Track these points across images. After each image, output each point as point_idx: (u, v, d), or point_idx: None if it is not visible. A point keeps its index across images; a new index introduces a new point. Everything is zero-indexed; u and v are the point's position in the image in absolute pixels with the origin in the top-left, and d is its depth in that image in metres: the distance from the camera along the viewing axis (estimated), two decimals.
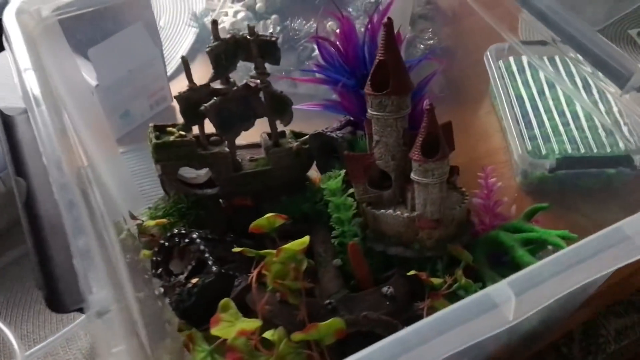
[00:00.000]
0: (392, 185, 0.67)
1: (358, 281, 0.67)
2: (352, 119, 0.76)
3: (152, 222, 0.67)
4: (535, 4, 0.67)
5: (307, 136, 0.76)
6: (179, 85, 1.02)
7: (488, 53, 0.98)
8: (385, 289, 0.63)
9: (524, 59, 0.98)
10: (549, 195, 0.87)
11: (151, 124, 0.71)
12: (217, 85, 0.72)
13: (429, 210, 0.64)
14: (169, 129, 0.72)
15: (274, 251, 0.59)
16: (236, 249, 0.61)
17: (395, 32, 0.73)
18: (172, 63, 1.06)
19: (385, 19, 0.61)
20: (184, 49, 1.07)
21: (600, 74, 0.57)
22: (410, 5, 0.95)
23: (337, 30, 0.76)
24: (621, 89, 0.55)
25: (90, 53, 0.81)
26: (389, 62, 0.61)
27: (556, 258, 0.45)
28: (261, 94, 0.72)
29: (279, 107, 0.74)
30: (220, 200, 0.74)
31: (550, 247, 0.65)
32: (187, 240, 0.62)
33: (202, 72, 0.73)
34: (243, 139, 0.74)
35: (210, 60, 0.71)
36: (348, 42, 0.74)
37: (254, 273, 0.60)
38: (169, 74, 1.05)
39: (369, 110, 0.64)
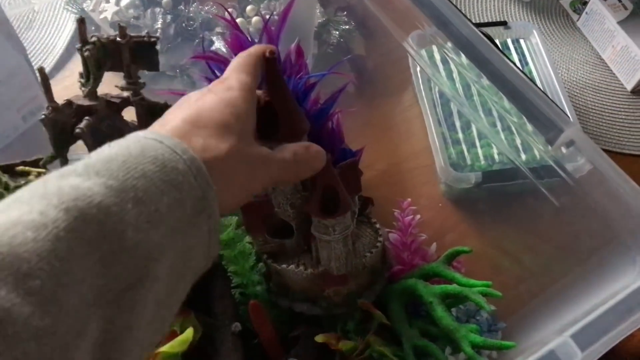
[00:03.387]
0: (293, 234, 0.58)
1: (262, 342, 0.60)
2: None
3: None
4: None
5: None
6: (56, 87, 0.89)
7: (410, 40, 0.88)
8: None
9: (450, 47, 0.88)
10: (474, 204, 0.81)
11: None
12: (79, 101, 0.60)
13: (334, 267, 0.56)
14: (20, 168, 0.59)
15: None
16: None
17: (294, 46, 0.63)
18: (53, 54, 0.91)
19: (268, 53, 0.49)
20: (63, 38, 0.92)
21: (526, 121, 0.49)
22: (315, 6, 0.83)
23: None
24: (550, 145, 0.47)
25: None
26: (276, 103, 0.50)
27: (616, 306, 0.44)
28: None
29: None
30: None
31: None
32: None
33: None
34: None
35: (83, 69, 0.59)
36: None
37: None
38: (49, 68, 0.91)
39: None
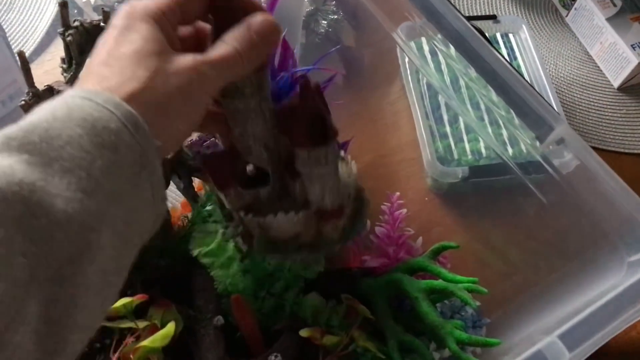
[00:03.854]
0: (269, 180, 0.51)
1: (244, 336, 0.59)
2: None
3: None
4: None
5: None
6: (37, 71, 0.87)
7: (399, 31, 0.87)
8: (271, 358, 0.55)
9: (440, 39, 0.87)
10: (461, 198, 0.81)
11: None
12: (60, 87, 0.58)
13: (329, 200, 0.50)
14: None
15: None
16: None
17: (281, 39, 0.62)
18: (33, 37, 0.89)
19: None
20: (44, 21, 0.90)
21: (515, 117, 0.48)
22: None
23: None
24: (540, 142, 0.47)
25: None
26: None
27: (605, 306, 0.43)
28: None
29: None
30: None
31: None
32: None
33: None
34: None
35: (65, 54, 0.57)
36: None
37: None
38: (29, 52, 0.89)
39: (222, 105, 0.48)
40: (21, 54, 0.52)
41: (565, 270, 0.55)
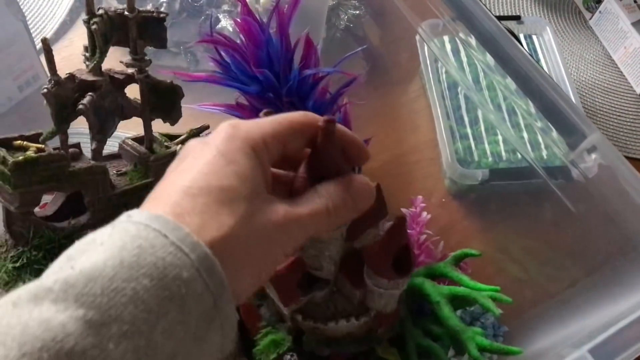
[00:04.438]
0: (326, 284, 0.51)
1: None
2: None
3: None
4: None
5: (184, 136, 0.64)
6: (63, 52, 0.86)
7: (421, 28, 0.86)
8: (288, 357, 0.54)
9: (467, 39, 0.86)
10: (478, 201, 0.79)
11: None
12: (82, 75, 0.57)
13: (389, 309, 0.51)
14: (18, 142, 0.56)
15: None
16: None
17: (304, 36, 0.61)
18: (52, 23, 0.88)
19: (322, 122, 0.36)
20: (63, 7, 0.89)
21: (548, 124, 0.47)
22: None
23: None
24: (571, 149, 0.46)
25: None
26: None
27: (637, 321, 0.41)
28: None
29: (165, 102, 0.61)
30: None
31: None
32: None
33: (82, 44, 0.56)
34: None
35: (89, 42, 0.56)
36: (249, 40, 0.61)
37: None
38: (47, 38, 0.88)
39: None
40: (44, 41, 0.51)
41: (589, 280, 0.54)
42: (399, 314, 0.55)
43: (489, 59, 0.56)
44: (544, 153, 0.75)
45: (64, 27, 0.88)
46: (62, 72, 0.54)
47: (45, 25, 0.87)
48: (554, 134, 0.50)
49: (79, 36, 0.88)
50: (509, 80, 0.53)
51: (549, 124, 0.49)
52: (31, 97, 0.81)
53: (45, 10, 0.88)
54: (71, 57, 0.81)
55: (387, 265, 0.47)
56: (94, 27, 0.51)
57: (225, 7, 0.83)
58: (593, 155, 0.50)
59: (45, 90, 0.50)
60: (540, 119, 0.52)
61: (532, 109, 0.51)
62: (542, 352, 0.52)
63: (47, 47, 0.50)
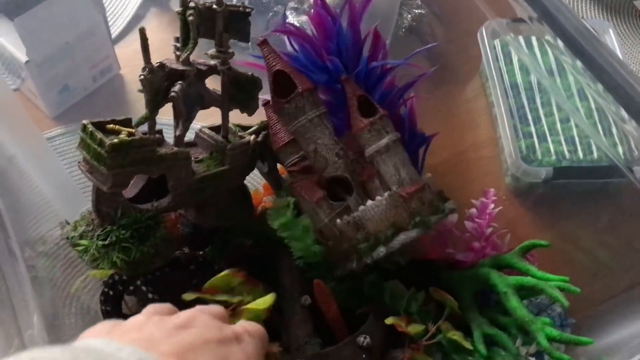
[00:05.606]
0: (351, 188, 0.58)
1: (327, 320, 0.60)
2: None
3: (96, 273, 0.55)
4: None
5: (256, 127, 0.66)
6: (126, 49, 0.89)
7: (483, 29, 0.87)
8: (361, 339, 0.55)
9: (522, 39, 0.86)
10: (540, 200, 0.80)
11: (85, 121, 0.57)
12: (172, 64, 0.59)
13: (406, 176, 0.57)
14: (110, 126, 0.59)
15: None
16: (189, 296, 0.52)
17: (373, 29, 0.63)
18: (120, 20, 0.91)
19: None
20: (134, 1, 0.92)
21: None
22: None
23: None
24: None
25: (17, 24, 0.67)
26: (285, 68, 0.59)
27: None
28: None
29: (244, 93, 0.62)
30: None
31: None
32: (131, 288, 0.52)
33: (152, 36, 0.58)
34: None
35: (181, 33, 0.58)
36: (320, 31, 0.63)
37: None
38: (118, 30, 0.91)
39: (288, 128, 0.59)
40: (142, 31, 0.53)
41: None
42: (427, 189, 0.58)
43: (570, 56, 0.56)
44: (607, 151, 0.76)
45: (137, 20, 0.91)
46: (137, 64, 0.56)
47: (117, 18, 0.90)
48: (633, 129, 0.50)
49: (150, 30, 0.91)
50: (585, 75, 0.54)
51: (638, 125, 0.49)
52: (103, 88, 0.85)
53: (118, 4, 0.92)
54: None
55: (355, 112, 0.59)
56: (190, 18, 0.53)
57: (291, 4, 0.85)
58: None
59: (142, 77, 0.52)
60: (614, 115, 0.52)
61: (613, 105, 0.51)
62: (613, 346, 0.52)
63: (143, 37, 0.52)
